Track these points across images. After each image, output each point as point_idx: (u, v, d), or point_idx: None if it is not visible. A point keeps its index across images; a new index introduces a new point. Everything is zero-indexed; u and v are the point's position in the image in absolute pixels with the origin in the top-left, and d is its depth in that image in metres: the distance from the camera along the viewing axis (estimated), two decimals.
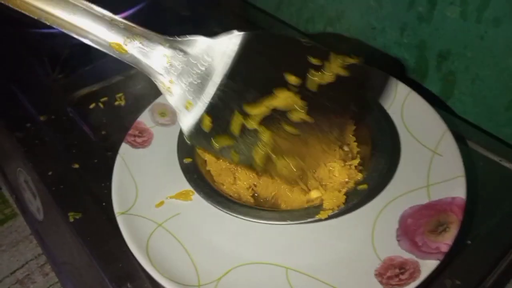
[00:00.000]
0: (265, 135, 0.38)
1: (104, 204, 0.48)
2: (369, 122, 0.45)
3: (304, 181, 0.41)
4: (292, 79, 0.38)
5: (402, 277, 0.36)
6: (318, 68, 0.38)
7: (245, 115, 0.38)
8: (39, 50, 0.69)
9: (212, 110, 0.39)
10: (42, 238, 0.59)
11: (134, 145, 0.49)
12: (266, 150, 0.38)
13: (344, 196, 0.38)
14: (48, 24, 0.37)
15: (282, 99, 0.38)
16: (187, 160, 0.43)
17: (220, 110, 0.39)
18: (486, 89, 0.54)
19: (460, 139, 0.45)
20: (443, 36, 0.55)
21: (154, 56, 0.39)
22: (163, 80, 0.39)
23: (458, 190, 0.40)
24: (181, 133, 0.46)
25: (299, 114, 0.38)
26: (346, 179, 0.40)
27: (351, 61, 0.39)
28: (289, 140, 0.39)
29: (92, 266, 0.44)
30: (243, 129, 0.39)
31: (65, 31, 0.37)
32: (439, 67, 0.58)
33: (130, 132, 0.50)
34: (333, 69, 0.38)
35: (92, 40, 0.38)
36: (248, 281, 0.38)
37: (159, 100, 0.53)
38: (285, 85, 0.38)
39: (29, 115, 0.60)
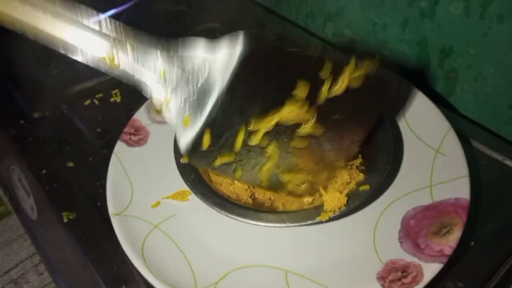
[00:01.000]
0: (270, 150, 0.37)
1: (99, 203, 0.47)
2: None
3: (313, 194, 0.39)
4: (300, 93, 0.35)
5: (404, 280, 0.35)
6: (328, 82, 0.35)
7: (248, 130, 0.36)
8: (34, 45, 0.68)
9: (212, 125, 0.37)
10: (36, 238, 0.57)
11: (129, 143, 0.48)
12: (271, 166, 0.37)
13: (346, 198, 0.37)
14: (32, 38, 0.34)
15: (288, 111, 0.36)
16: (184, 160, 0.42)
17: (221, 126, 0.36)
18: (489, 87, 0.53)
19: (463, 138, 0.44)
20: (446, 33, 0.54)
21: (148, 71, 0.36)
22: (158, 96, 0.37)
23: (462, 191, 0.39)
24: None
25: (306, 127, 0.36)
26: (348, 180, 0.39)
27: (364, 69, 0.35)
28: (296, 154, 0.37)
29: (87, 268, 0.43)
30: (246, 144, 0.37)
31: (51, 46, 0.35)
32: (441, 64, 0.57)
33: (126, 130, 0.48)
34: (345, 81, 0.35)
35: (81, 53, 0.35)
36: (246, 285, 0.37)
37: None
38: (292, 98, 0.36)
39: (22, 112, 0.59)
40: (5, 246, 0.83)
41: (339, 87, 0.35)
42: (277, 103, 0.35)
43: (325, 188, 0.38)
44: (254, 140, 0.37)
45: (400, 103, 0.48)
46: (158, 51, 0.36)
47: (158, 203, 0.43)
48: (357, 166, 0.40)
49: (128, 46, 0.35)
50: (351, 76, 0.35)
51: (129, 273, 0.41)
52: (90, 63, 0.35)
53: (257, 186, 0.40)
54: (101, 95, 0.60)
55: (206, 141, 0.37)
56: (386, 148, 0.41)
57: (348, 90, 0.35)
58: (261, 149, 0.37)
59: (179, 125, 0.37)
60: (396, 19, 0.59)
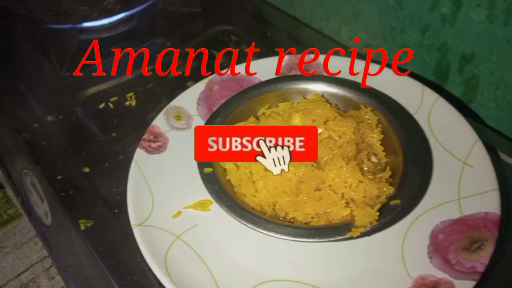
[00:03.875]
0: None
1: (116, 211, 0.46)
2: (397, 129, 0.43)
3: None
4: None
5: None
6: None
7: None
8: (46, 47, 0.67)
9: None
10: (50, 244, 0.57)
11: (149, 150, 0.47)
12: None
13: (377, 213, 0.36)
14: None
15: None
16: (207, 170, 0.41)
17: None
18: (511, 95, 0.53)
19: (490, 149, 0.43)
20: (468, 39, 0.53)
21: None
22: None
23: (491, 205, 0.39)
24: None
25: None
26: (377, 194, 0.38)
27: None
28: None
29: (105, 277, 0.42)
30: None
31: None
32: (462, 70, 0.56)
33: (145, 136, 0.47)
34: None
35: None
36: None
37: (173, 103, 0.51)
38: None
39: (36, 115, 0.58)
40: (15, 249, 0.82)
41: None
42: None
43: None
44: None
45: (425, 113, 0.47)
46: None
47: (179, 213, 0.42)
48: (386, 179, 0.39)
49: None
50: None
51: (150, 283, 0.40)
52: None
53: None
54: (115, 98, 0.59)
55: None
56: (415, 161, 0.40)
57: None
58: None
59: None
60: (416, 24, 0.58)
